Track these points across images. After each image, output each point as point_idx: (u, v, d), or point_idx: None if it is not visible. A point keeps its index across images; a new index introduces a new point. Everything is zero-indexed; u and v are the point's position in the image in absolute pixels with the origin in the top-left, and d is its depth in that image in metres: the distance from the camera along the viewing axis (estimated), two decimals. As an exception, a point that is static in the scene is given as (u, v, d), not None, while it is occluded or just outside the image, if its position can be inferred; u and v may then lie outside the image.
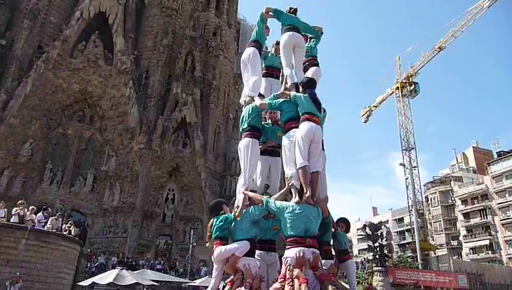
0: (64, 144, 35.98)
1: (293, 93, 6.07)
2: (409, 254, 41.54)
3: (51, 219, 17.79)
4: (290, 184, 5.45)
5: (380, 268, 21.23)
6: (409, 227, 54.33)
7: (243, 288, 5.03)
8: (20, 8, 36.78)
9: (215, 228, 5.53)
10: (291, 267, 4.91)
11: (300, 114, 5.88)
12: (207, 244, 5.71)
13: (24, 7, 36.42)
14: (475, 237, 57.33)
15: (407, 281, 21.22)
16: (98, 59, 36.44)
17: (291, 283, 4.76)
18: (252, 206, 5.60)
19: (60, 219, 18.43)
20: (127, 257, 27.63)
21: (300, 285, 4.60)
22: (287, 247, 5.17)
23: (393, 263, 28.34)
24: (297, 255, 4.94)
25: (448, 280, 24.77)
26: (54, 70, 34.80)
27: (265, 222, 6.10)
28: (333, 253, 6.13)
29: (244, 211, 5.57)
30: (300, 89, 6.17)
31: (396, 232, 68.20)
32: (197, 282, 19.87)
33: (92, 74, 36.24)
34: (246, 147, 6.12)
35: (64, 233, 18.17)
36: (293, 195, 5.37)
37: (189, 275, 25.83)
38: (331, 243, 6.09)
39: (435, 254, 42.16)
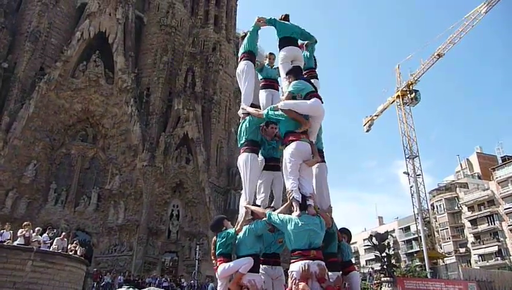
0: (67, 163, 36.12)
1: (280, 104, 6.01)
2: (417, 263, 41.10)
3: (56, 239, 17.79)
4: (291, 198, 5.46)
5: (388, 278, 21.02)
6: (416, 236, 53.86)
7: (249, 303, 5.02)
8: (21, 30, 37.33)
9: (218, 245, 5.54)
10: (296, 281, 4.90)
11: (282, 132, 5.92)
12: (213, 262, 5.70)
13: (25, 30, 36.95)
14: (483, 244, 56.65)
15: (416, 291, 20.97)
16: (99, 78, 36.82)
17: (297, 296, 4.75)
18: (255, 221, 5.61)
19: (66, 239, 18.42)
20: (133, 275, 27.48)
21: (306, 298, 4.59)
22: (291, 261, 5.16)
23: (401, 273, 28.04)
24: (303, 268, 4.93)
25: (458, 288, 24.43)
26: (56, 91, 35.15)
27: (270, 235, 6.09)
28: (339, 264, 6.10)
29: (247, 226, 5.58)
30: (289, 80, 6.18)
31: (404, 241, 67.55)
32: (204, 298, 19.73)
33: (94, 92, 36.58)
34: (245, 162, 6.15)
35: (70, 253, 18.13)
36: (295, 208, 5.38)
37: (195, 292, 25.65)
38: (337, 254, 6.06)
39: (444, 262, 41.68)
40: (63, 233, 19.84)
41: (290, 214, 5.55)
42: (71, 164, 36.14)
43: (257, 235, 5.56)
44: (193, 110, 37.62)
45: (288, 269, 5.37)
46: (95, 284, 24.61)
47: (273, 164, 6.59)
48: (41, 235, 17.84)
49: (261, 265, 5.86)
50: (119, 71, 37.40)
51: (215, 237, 5.66)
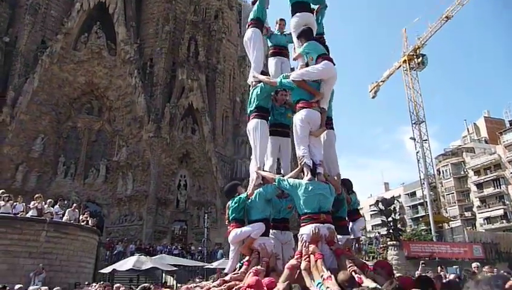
0: (75, 136, 36.38)
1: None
2: (422, 228, 41.60)
3: (68, 210, 18.17)
4: (302, 163, 5.49)
5: (394, 242, 21.36)
6: (422, 201, 54.29)
7: (259, 267, 5.15)
8: (20, 3, 36.72)
9: (230, 210, 5.66)
10: (307, 244, 5.00)
11: (294, 100, 5.93)
12: (227, 226, 5.83)
13: (24, 3, 36.32)
14: (489, 207, 57.11)
15: (421, 254, 21.35)
16: (101, 50, 36.47)
17: (307, 258, 4.85)
18: (265, 185, 5.70)
19: (77, 210, 18.81)
20: (144, 244, 28.16)
21: (316, 261, 4.69)
22: (302, 224, 5.26)
23: (407, 237, 28.47)
24: (313, 231, 5.03)
25: (463, 251, 24.85)
26: (59, 64, 34.94)
27: (279, 201, 6.19)
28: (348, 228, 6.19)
29: (257, 190, 5.66)
30: (301, 43, 6.13)
31: (409, 206, 68.22)
32: (214, 264, 20.23)
33: (97, 65, 36.33)
34: (255, 128, 6.18)
35: (82, 224, 18.56)
36: (305, 173, 5.43)
37: (205, 258, 26.27)
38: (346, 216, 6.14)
39: (449, 226, 42.17)
40: (74, 204, 20.24)
41: (299, 179, 5.63)
42: (78, 137, 36.40)
43: (267, 199, 5.66)
44: (197, 80, 37.35)
45: (297, 234, 5.49)
46: (107, 253, 25.29)
47: (280, 129, 6.63)
48: (53, 207, 18.23)
49: (271, 230, 6.00)
50: (121, 42, 36.97)
51: (229, 202, 5.77)
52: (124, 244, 26.60)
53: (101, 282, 13.01)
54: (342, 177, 6.30)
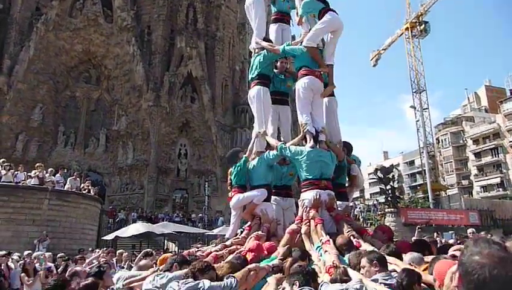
0: (73, 106, 36.20)
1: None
2: (420, 195, 42.12)
3: (69, 179, 18.34)
4: (305, 131, 5.52)
5: (392, 209, 21.69)
6: (420, 169, 54.69)
7: (260, 232, 5.26)
8: (13, -32, 35.62)
9: (232, 176, 5.73)
10: (307, 209, 5.10)
11: (297, 67, 5.91)
12: (230, 194, 5.92)
13: (16, -33, 35.23)
14: (486, 176, 57.65)
15: (418, 221, 21.69)
16: (97, 17, 35.71)
17: (308, 223, 4.96)
18: (267, 151, 5.75)
19: (78, 179, 18.98)
20: (146, 212, 28.58)
21: (316, 225, 4.79)
22: (303, 190, 5.34)
23: (404, 205, 28.89)
24: (314, 197, 5.12)
25: (459, 218, 25.27)
26: (54, 32, 34.31)
27: (281, 168, 6.27)
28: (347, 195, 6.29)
29: (259, 156, 5.72)
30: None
31: (408, 174, 68.72)
32: (215, 231, 20.58)
33: (93, 32, 35.68)
34: (257, 94, 6.19)
35: (84, 192, 18.77)
36: (308, 141, 5.47)
37: (206, 225, 26.74)
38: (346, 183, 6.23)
39: (446, 194, 42.70)
40: (75, 173, 20.40)
41: (301, 146, 5.67)
42: (77, 106, 36.22)
43: (269, 165, 5.71)
44: (196, 48, 36.79)
45: (297, 200, 5.59)
46: (110, 221, 25.71)
47: (280, 98, 6.63)
48: (54, 176, 18.38)
49: (272, 196, 6.09)
50: (118, 9, 36.15)
51: (231, 169, 5.83)
52: (126, 212, 27.01)
53: (104, 248, 13.29)
54: (344, 141, 6.36)
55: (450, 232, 18.75)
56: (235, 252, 4.74)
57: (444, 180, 59.27)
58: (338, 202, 5.68)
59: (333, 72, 5.93)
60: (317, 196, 5.14)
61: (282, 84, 6.60)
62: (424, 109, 44.86)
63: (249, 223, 5.70)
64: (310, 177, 5.26)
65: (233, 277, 3.54)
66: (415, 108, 41.40)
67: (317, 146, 5.40)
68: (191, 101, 36.30)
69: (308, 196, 5.21)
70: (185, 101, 36.05)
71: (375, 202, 33.36)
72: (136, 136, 34.50)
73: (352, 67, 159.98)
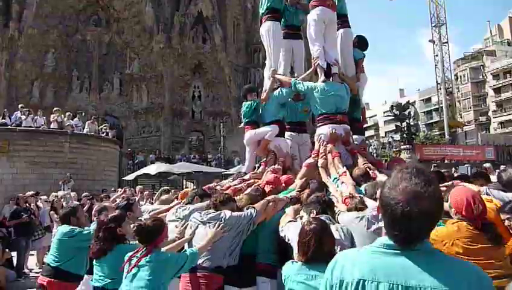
0: (85, 50, 35.87)
1: None
2: (436, 133, 41.79)
3: (87, 123, 18.68)
4: (316, 64, 5.43)
5: (407, 146, 21.67)
6: (437, 106, 53.70)
7: (276, 166, 5.37)
8: None
9: (243, 113, 5.76)
10: (324, 143, 5.15)
11: None
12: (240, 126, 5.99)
13: None
14: (505, 112, 56.50)
15: (434, 157, 21.73)
16: (103, -45, 34.29)
17: (324, 157, 5.03)
18: (280, 88, 5.71)
19: (96, 123, 19.32)
20: (164, 154, 29.23)
21: (333, 158, 4.86)
22: (318, 124, 5.37)
23: (420, 141, 28.76)
24: (331, 131, 5.15)
25: (475, 153, 25.16)
26: (60, -27, 33.23)
27: (295, 104, 6.25)
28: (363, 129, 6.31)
29: (271, 94, 5.70)
30: None
31: (424, 112, 67.67)
32: (232, 170, 21.04)
33: (99, -28, 34.47)
34: (268, 31, 6.05)
35: (102, 135, 19.18)
36: (319, 75, 5.40)
37: (223, 165, 27.30)
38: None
39: (462, 130, 42.28)
40: (93, 117, 20.72)
41: (313, 80, 5.61)
42: (89, 50, 35.90)
43: (280, 102, 5.70)
44: (205, -15, 35.40)
45: (313, 135, 5.62)
46: (129, 162, 26.45)
47: (292, 32, 6.46)
48: (72, 120, 18.72)
49: (288, 132, 6.14)
50: None
51: (243, 107, 5.86)
52: (144, 155, 27.66)
53: (126, 187, 13.79)
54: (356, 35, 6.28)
55: (466, 165, 18.70)
56: (253, 185, 4.89)
57: (461, 117, 58.38)
58: (354, 136, 5.72)
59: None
60: (333, 130, 5.17)
61: (294, 17, 6.41)
62: (444, 43, 43.02)
63: (264, 159, 5.81)
64: (325, 111, 5.25)
65: (253, 207, 3.68)
66: (433, 42, 39.81)
67: (330, 79, 5.33)
68: (203, 42, 35.61)
69: (324, 130, 5.24)
70: (196, 42, 35.38)
71: (391, 139, 33.29)
72: (150, 79, 34.44)
73: (369, 1, 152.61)
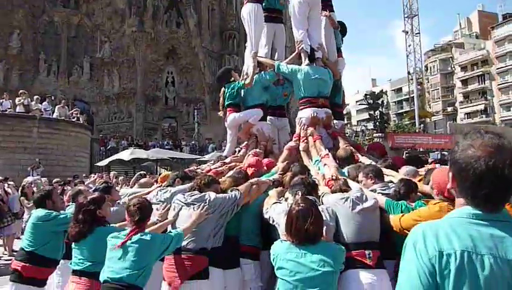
0: (53, 32, 34.45)
1: None
2: (406, 122, 42.86)
3: (57, 107, 18.06)
4: (300, 48, 5.40)
5: (379, 134, 22.12)
6: (407, 96, 55.01)
7: (258, 149, 5.35)
8: None
9: (227, 96, 5.68)
10: (305, 127, 5.16)
11: None
12: (220, 113, 5.91)
13: None
14: (471, 103, 58.53)
15: (404, 145, 22.27)
16: None
17: (305, 140, 5.05)
18: (262, 72, 5.66)
19: (66, 107, 18.71)
20: (136, 140, 28.66)
21: (315, 141, 4.88)
22: (300, 108, 5.37)
23: (391, 130, 29.44)
24: (312, 115, 5.16)
25: (444, 142, 25.97)
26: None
27: (275, 88, 6.22)
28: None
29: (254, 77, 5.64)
30: None
31: (394, 102, 69.22)
32: (207, 157, 20.89)
33: (66, -51, 33.05)
34: (249, 13, 5.95)
35: (73, 120, 18.61)
36: (303, 59, 5.37)
37: (197, 152, 27.03)
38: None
39: (431, 120, 43.52)
40: (63, 101, 20.04)
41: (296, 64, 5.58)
42: (56, 32, 34.49)
43: (264, 85, 5.66)
44: (179, -32, 34.60)
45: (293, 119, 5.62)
46: (101, 149, 25.79)
47: (275, 15, 6.40)
48: (41, 103, 18.03)
49: (267, 116, 6.11)
50: None
51: (223, 88, 5.76)
52: (116, 141, 27.05)
53: (99, 173, 13.50)
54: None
55: (436, 152, 19.29)
56: (235, 169, 4.85)
57: (430, 107, 60.07)
58: (334, 121, 5.75)
59: None
60: (315, 114, 5.18)
61: (276, 0, 6.34)
62: (416, 34, 43.95)
63: (245, 142, 5.77)
64: (308, 95, 5.25)
65: (237, 189, 3.66)
66: (407, 32, 40.59)
67: (314, 64, 5.32)
68: (177, 27, 34.89)
69: (305, 114, 5.24)
70: (170, 27, 34.63)
71: (363, 128, 33.91)
72: (122, 64, 33.53)
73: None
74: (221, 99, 5.86)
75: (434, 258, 1.14)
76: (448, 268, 1.12)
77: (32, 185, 9.40)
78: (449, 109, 60.94)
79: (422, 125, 31.00)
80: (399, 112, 65.24)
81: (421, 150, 22.51)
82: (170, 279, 3.31)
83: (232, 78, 5.78)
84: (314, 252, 2.54)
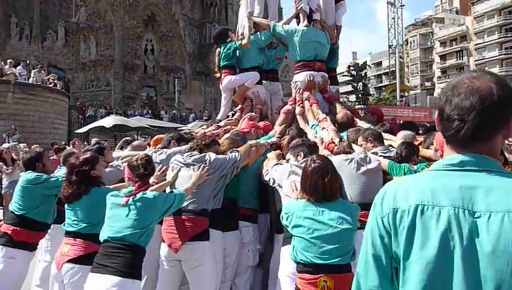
0: (24, -6, 32.73)
1: None
2: (386, 96, 43.26)
3: (33, 71, 17.32)
4: (298, 8, 5.23)
5: (362, 106, 22.19)
6: (387, 70, 55.30)
7: (253, 113, 5.23)
8: None
9: (222, 57, 5.50)
10: (301, 91, 5.06)
11: None
12: (216, 75, 5.74)
13: None
14: (448, 78, 59.36)
15: (386, 117, 22.37)
16: None
17: (301, 104, 4.97)
18: (258, 32, 5.48)
19: (43, 72, 17.97)
20: (115, 109, 28.00)
21: (311, 105, 4.80)
22: (296, 71, 5.24)
23: (373, 102, 29.70)
24: (308, 78, 5.05)
25: (423, 115, 26.46)
26: None
27: (268, 51, 6.05)
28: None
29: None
30: None
31: (374, 76, 69.53)
32: (189, 126, 20.60)
33: None
34: (242, -28, 5.71)
35: (50, 86, 17.94)
36: (302, 19, 5.21)
37: (178, 122, 26.65)
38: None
39: (409, 94, 44.05)
40: (39, 66, 19.23)
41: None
42: (28, -6, 32.77)
43: (260, 47, 5.49)
44: None
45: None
46: (80, 116, 25.09)
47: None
48: (15, 67, 17.23)
49: (260, 80, 5.96)
50: None
51: (219, 48, 5.57)
52: (94, 109, 26.36)
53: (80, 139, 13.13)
54: None
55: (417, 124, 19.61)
56: (230, 132, 4.74)
57: (409, 82, 60.72)
58: (330, 86, 5.66)
59: None
60: (311, 78, 5.07)
61: None
62: (401, 5, 43.62)
63: (240, 106, 5.64)
64: (304, 58, 5.12)
65: (237, 151, 3.57)
66: (391, 4, 40.34)
67: (312, 25, 5.17)
68: (157, -8, 33.65)
69: (301, 77, 5.13)
70: (149, -8, 33.37)
71: (345, 100, 33.96)
72: (98, 30, 32.28)
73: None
74: (216, 59, 5.67)
75: (387, 217, 1.08)
76: (402, 225, 1.05)
77: (11, 150, 9.03)
78: (427, 83, 61.77)
79: (404, 98, 31.40)
80: (378, 85, 65.70)
81: (401, 122, 22.80)
82: (170, 240, 3.25)
83: (229, 39, 5.57)
84: (332, 209, 2.51)
